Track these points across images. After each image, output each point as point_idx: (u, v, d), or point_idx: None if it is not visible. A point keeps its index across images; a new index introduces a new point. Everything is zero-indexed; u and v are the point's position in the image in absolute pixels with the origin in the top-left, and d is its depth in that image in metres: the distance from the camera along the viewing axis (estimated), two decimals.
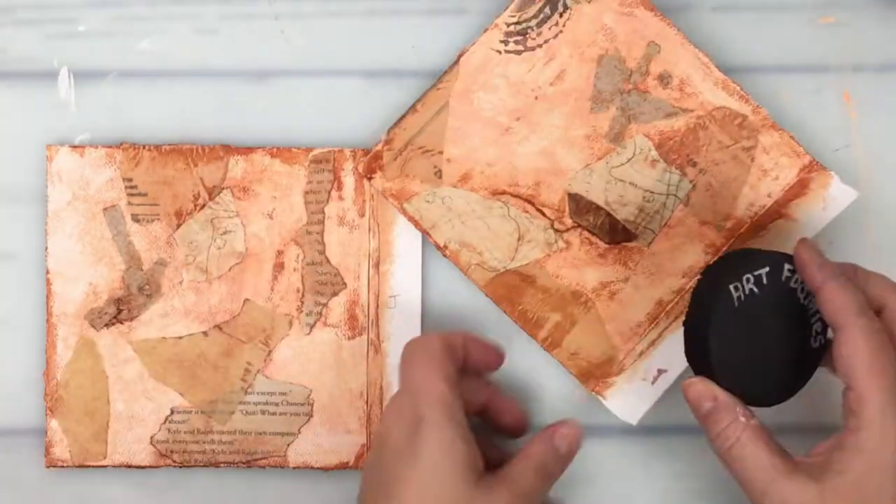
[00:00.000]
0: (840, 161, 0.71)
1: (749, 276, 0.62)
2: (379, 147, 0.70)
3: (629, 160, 0.70)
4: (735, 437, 0.60)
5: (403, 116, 0.70)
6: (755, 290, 0.62)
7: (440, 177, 0.70)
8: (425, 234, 0.70)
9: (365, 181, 0.70)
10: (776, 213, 0.70)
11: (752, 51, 0.72)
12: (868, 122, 0.72)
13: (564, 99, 0.70)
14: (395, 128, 0.70)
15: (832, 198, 0.69)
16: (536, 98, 0.70)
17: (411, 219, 0.70)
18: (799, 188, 0.70)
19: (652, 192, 0.70)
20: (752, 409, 0.61)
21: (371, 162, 0.70)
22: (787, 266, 0.63)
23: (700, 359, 0.63)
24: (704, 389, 0.61)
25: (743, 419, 0.60)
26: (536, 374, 0.71)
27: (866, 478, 0.57)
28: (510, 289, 0.70)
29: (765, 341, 0.62)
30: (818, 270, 0.61)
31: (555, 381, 0.71)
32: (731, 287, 0.62)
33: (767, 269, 0.62)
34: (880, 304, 0.61)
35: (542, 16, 0.70)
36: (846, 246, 0.72)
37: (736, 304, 0.62)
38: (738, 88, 0.69)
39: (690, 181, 0.70)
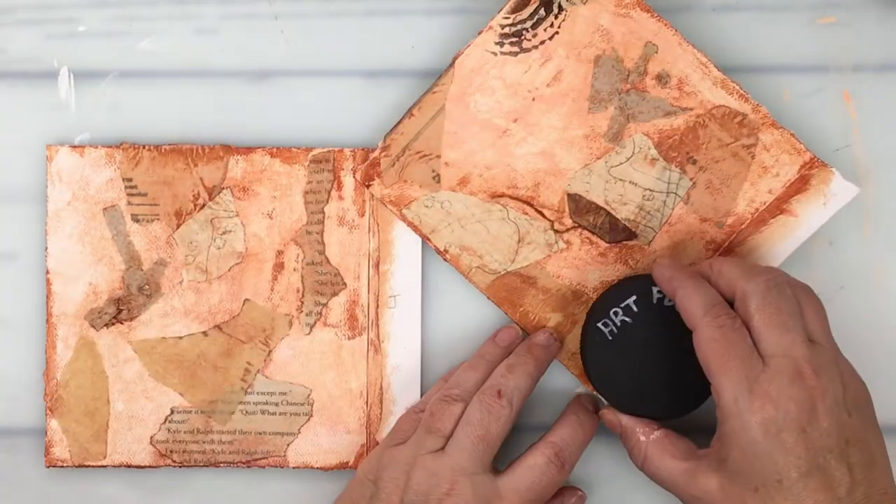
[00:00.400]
0: (840, 161, 0.71)
1: (616, 309, 0.67)
2: (376, 154, 0.70)
3: (628, 159, 0.70)
4: (643, 454, 0.66)
5: (400, 121, 0.70)
6: (627, 319, 0.67)
7: (438, 181, 0.70)
8: (425, 240, 0.70)
9: (363, 187, 0.70)
10: (777, 209, 0.70)
11: (753, 51, 0.72)
12: (868, 122, 0.72)
13: (562, 100, 0.70)
14: (391, 133, 0.70)
15: (833, 194, 0.69)
16: (534, 99, 0.70)
17: (411, 224, 0.70)
18: (800, 184, 0.70)
19: (652, 191, 0.70)
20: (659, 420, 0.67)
21: (369, 169, 0.70)
22: (654, 288, 0.67)
23: (597, 389, 0.69)
24: (612, 418, 0.68)
25: (643, 438, 0.67)
26: None
27: (743, 460, 0.61)
28: (511, 291, 0.70)
29: (652, 360, 0.67)
30: (669, 283, 0.65)
31: (555, 380, 0.71)
32: (601, 325, 0.68)
33: (634, 297, 0.67)
34: (733, 292, 0.64)
35: (536, 17, 0.70)
36: (846, 246, 0.71)
37: (609, 337, 0.68)
38: (738, 87, 0.69)
39: (690, 179, 0.70)
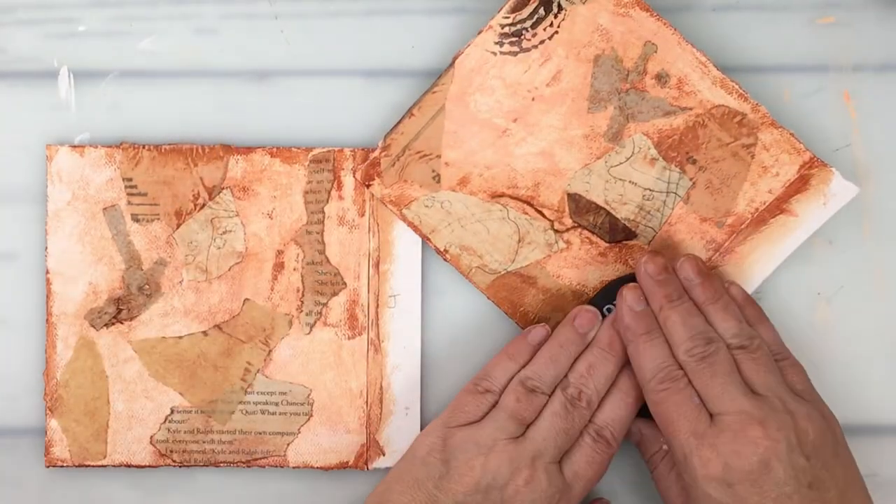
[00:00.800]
0: (840, 161, 0.71)
1: (610, 306, 0.68)
2: (376, 153, 0.70)
3: (628, 159, 0.70)
4: (656, 463, 0.68)
5: (400, 121, 0.70)
6: None
7: (438, 181, 0.70)
8: (425, 240, 0.70)
9: (363, 187, 0.70)
10: (777, 208, 0.70)
11: (753, 51, 0.72)
12: (868, 122, 0.72)
13: (561, 99, 0.70)
14: (391, 133, 0.70)
15: (833, 193, 0.69)
16: (533, 99, 0.70)
17: (411, 224, 0.70)
18: (800, 184, 0.70)
19: (652, 191, 0.70)
20: None
21: (369, 169, 0.70)
22: None
23: None
24: (632, 426, 0.68)
25: (665, 447, 0.67)
26: None
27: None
28: (511, 290, 0.70)
29: None
30: (624, 334, 0.67)
31: None
32: (605, 311, 0.68)
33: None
34: (688, 288, 0.66)
35: (536, 17, 0.70)
36: (846, 246, 0.71)
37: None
38: (737, 87, 0.69)
39: (690, 179, 0.70)
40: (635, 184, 0.70)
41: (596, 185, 0.70)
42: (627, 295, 0.66)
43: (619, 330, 0.67)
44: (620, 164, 0.70)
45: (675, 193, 0.70)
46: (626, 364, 0.67)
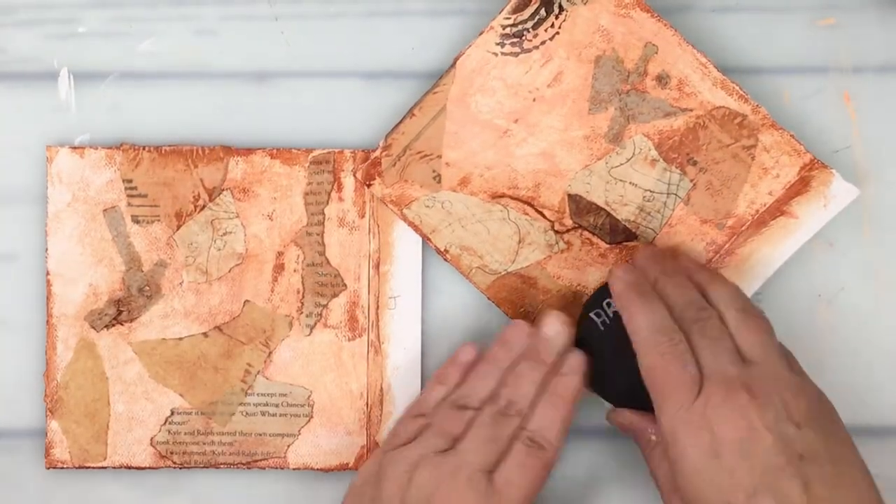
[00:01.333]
0: (840, 162, 0.71)
1: (609, 300, 0.67)
2: (377, 153, 0.70)
3: (629, 160, 0.70)
4: (648, 452, 0.67)
5: (401, 121, 0.70)
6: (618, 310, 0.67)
7: (439, 181, 0.70)
8: (426, 240, 0.70)
9: (364, 187, 0.70)
10: (777, 210, 0.70)
11: (753, 52, 0.72)
12: (868, 122, 0.72)
13: (562, 100, 0.70)
14: (392, 133, 0.70)
15: (833, 195, 0.69)
16: (534, 100, 0.70)
17: (411, 224, 0.70)
18: (800, 186, 0.70)
19: (652, 192, 0.70)
20: None
21: (370, 168, 0.70)
22: None
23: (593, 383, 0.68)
24: (621, 419, 0.68)
25: (654, 437, 0.66)
26: None
27: (692, 489, 0.61)
28: (512, 291, 0.70)
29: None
30: (619, 300, 0.66)
31: None
32: (593, 314, 0.68)
33: None
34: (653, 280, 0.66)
35: (537, 18, 0.70)
36: (846, 247, 0.71)
37: (601, 328, 0.68)
38: (738, 88, 0.69)
39: (691, 180, 0.70)
40: (636, 185, 0.70)
41: (596, 186, 0.70)
42: (616, 269, 0.67)
43: (615, 301, 0.66)
44: (621, 165, 0.70)
45: (676, 195, 0.70)
46: (557, 369, 0.67)
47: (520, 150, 0.70)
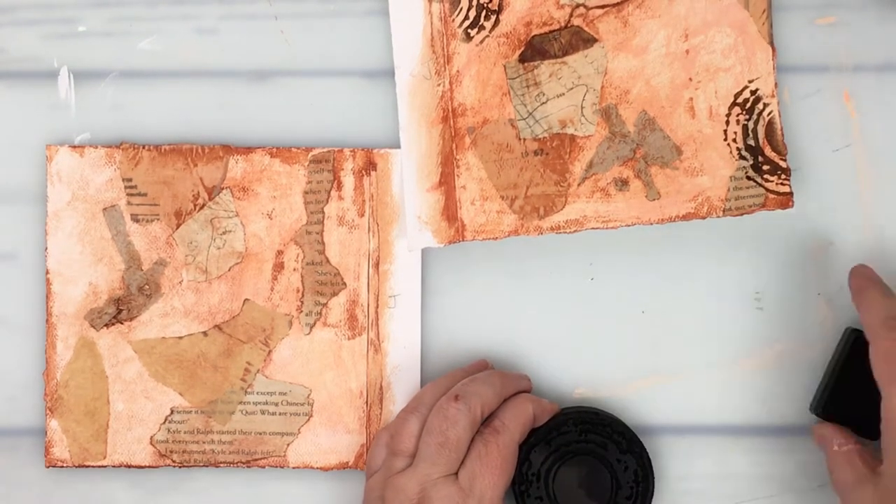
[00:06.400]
0: (840, 161, 0.71)
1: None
2: None
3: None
4: (830, 463, 0.67)
5: None
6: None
7: None
8: None
9: (364, 180, 0.70)
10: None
11: None
12: (868, 122, 0.72)
13: None
14: None
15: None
16: None
17: None
18: None
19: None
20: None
21: None
22: None
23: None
24: (821, 432, 0.68)
25: (836, 447, 0.67)
26: (537, 375, 0.71)
27: None
28: None
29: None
30: (856, 293, 0.67)
31: (556, 382, 0.71)
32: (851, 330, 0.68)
33: None
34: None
35: None
36: (846, 247, 0.71)
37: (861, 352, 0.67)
38: None
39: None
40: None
41: None
42: (856, 267, 0.68)
43: (852, 295, 0.67)
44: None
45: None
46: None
47: None
